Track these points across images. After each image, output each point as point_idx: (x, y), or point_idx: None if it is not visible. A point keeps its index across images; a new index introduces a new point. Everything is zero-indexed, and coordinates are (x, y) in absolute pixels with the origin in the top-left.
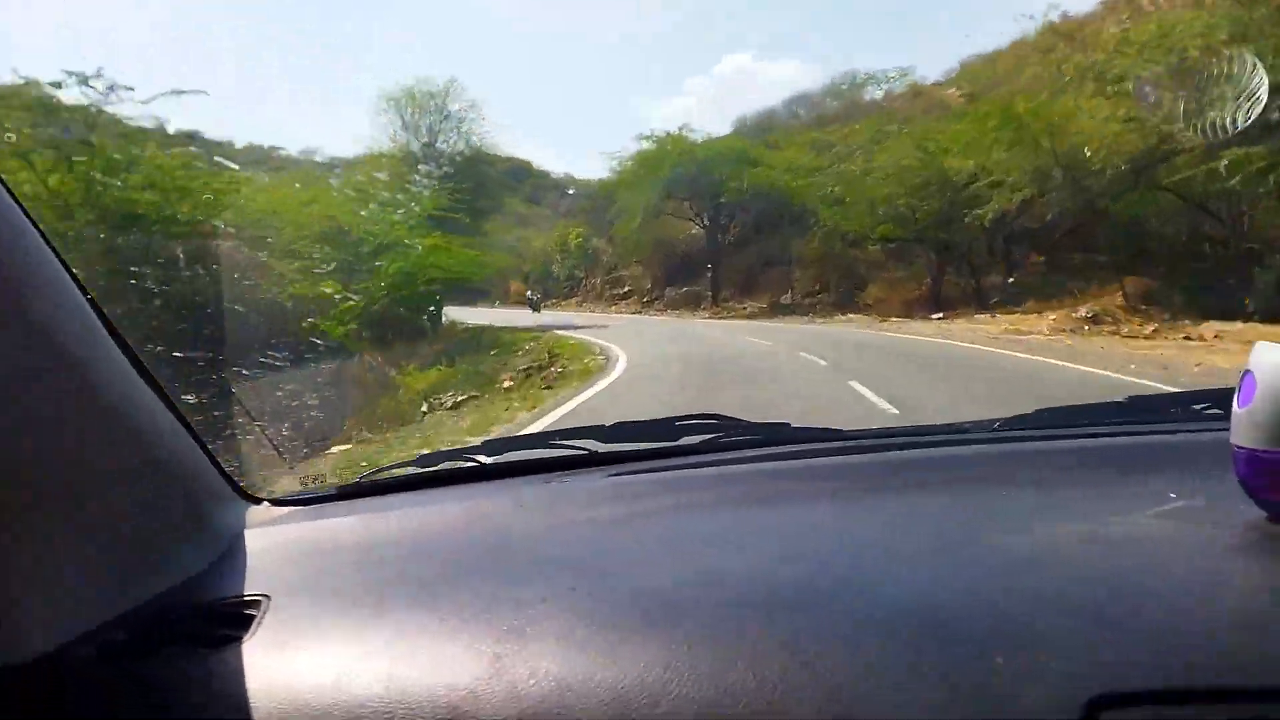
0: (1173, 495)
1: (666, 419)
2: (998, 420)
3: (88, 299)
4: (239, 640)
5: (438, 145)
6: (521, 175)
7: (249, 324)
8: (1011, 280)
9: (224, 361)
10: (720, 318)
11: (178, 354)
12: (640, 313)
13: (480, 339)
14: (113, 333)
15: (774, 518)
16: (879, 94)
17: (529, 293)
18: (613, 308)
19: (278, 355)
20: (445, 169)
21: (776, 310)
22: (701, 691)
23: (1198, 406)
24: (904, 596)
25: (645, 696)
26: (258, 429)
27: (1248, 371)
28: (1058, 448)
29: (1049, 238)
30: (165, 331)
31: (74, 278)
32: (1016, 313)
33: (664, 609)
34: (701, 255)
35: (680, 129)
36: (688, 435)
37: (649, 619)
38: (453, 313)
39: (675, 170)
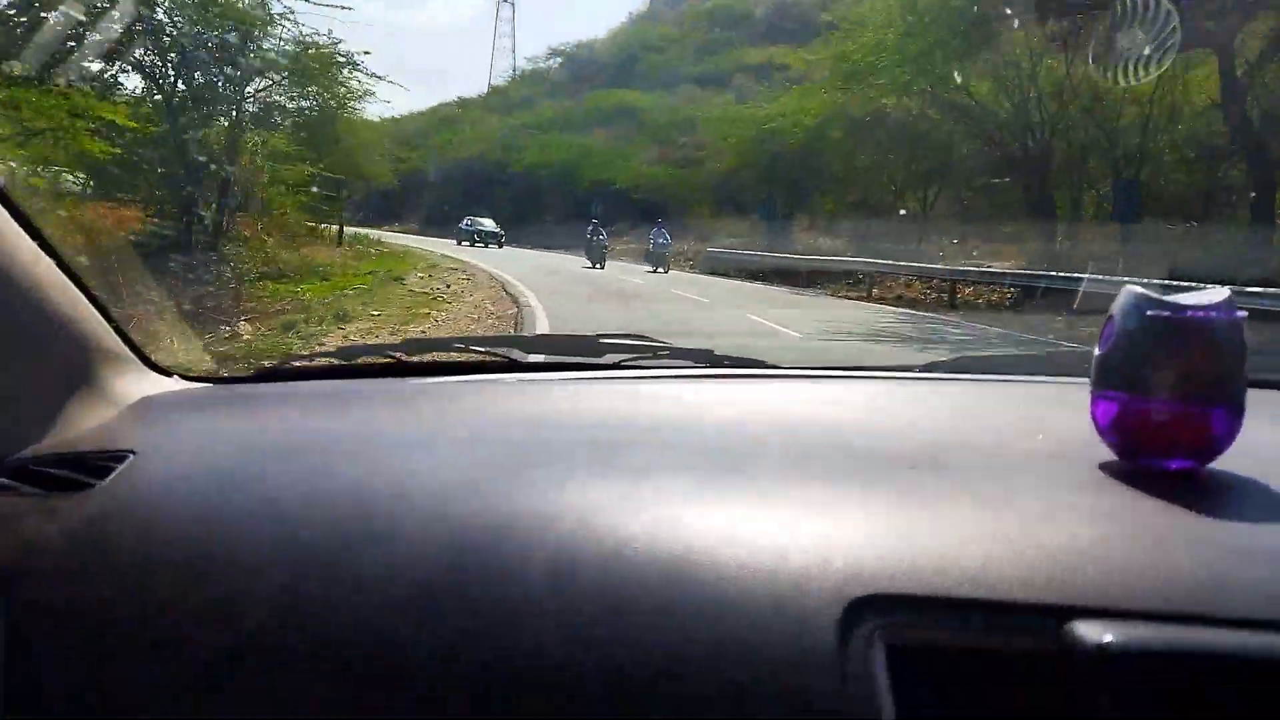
0: (1040, 436)
1: (590, 335)
2: (922, 364)
3: None
4: (91, 486)
5: None
6: None
7: None
8: None
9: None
10: None
11: None
12: None
13: None
14: (21, 221)
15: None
16: None
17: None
18: None
19: None
20: None
21: None
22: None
23: None
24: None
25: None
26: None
27: (1110, 316)
28: (965, 387)
29: None
30: None
31: None
32: None
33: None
34: None
35: None
36: (610, 353)
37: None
38: None
39: None
